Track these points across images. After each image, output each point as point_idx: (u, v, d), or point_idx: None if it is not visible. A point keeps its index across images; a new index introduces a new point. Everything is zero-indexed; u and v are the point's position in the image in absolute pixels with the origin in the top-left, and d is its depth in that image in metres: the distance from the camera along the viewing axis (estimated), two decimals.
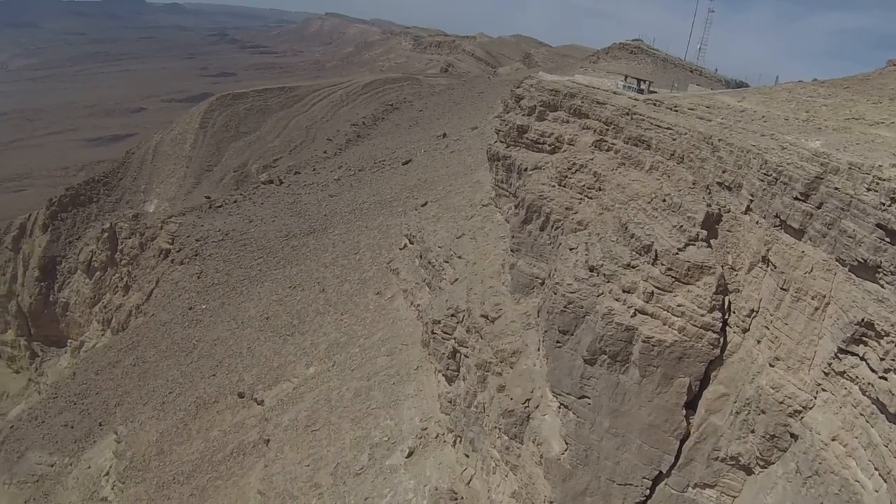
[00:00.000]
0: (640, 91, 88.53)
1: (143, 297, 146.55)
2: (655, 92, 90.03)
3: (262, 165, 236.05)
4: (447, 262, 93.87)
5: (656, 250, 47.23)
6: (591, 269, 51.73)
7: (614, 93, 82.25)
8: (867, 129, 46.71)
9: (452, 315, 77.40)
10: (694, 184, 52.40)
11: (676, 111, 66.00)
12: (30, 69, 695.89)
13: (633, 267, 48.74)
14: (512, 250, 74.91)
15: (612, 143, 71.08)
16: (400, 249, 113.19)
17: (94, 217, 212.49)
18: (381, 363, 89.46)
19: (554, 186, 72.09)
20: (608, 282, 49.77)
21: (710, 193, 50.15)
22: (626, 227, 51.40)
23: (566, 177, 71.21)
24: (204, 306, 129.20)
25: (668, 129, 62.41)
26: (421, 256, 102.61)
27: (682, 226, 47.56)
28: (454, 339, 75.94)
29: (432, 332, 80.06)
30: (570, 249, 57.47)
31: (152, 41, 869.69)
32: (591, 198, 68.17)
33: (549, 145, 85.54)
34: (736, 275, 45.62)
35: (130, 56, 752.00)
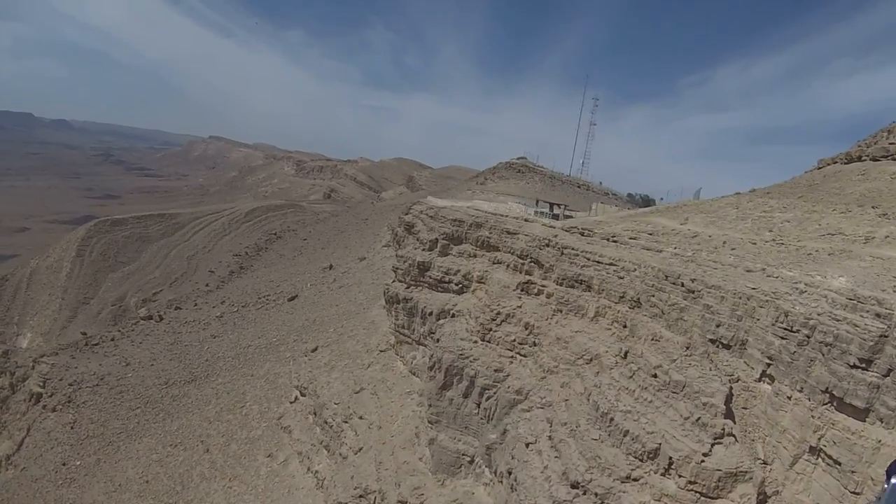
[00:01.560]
0: (556, 216, 80.00)
1: (14, 446, 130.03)
2: (571, 216, 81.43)
3: (142, 299, 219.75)
4: (346, 422, 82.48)
5: (670, 457, 35.06)
6: (575, 486, 38.92)
7: (525, 220, 75.09)
8: (872, 251, 37.48)
9: (361, 497, 65.52)
10: (688, 347, 40.58)
11: (615, 241, 57.04)
12: None
13: (636, 480, 36.52)
14: (430, 422, 63.59)
15: (542, 286, 60.84)
16: (290, 403, 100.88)
17: None
18: None
19: (476, 342, 61.57)
20: (602, 502, 37.33)
21: (710, 360, 38.73)
22: (611, 419, 39.84)
23: (490, 329, 60.59)
24: (78, 462, 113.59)
25: (611, 265, 53.69)
26: (315, 413, 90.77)
27: (698, 417, 35.52)
28: None
29: None
30: (528, 446, 46.13)
31: (39, 158, 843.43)
32: (523, 355, 58.08)
33: (457, 284, 76.81)
34: (770, 470, 33.56)
35: (15, 172, 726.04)
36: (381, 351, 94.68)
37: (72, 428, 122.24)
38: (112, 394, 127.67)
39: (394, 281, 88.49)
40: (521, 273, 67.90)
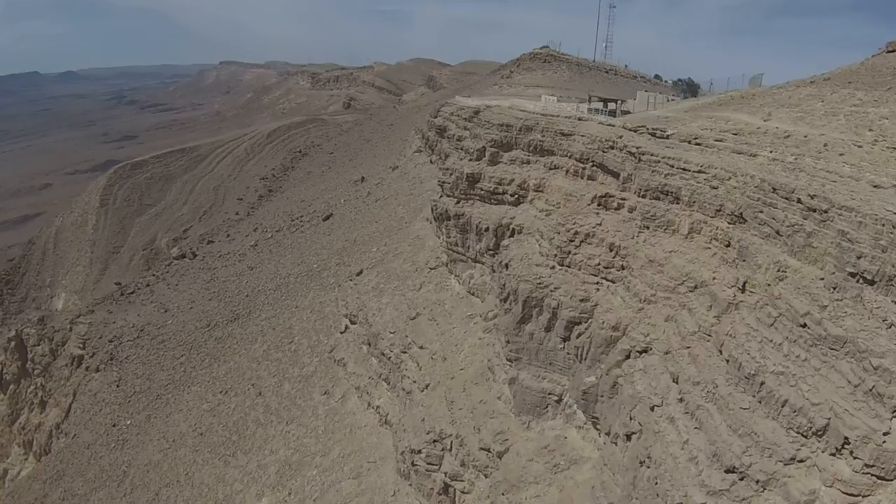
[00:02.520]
0: (612, 113, 71.35)
1: (62, 413, 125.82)
2: (629, 112, 72.78)
3: (172, 238, 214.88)
4: (405, 352, 75.64)
5: (845, 436, 26.78)
6: (731, 471, 30.69)
7: (580, 119, 67.17)
8: None
9: (435, 441, 58.66)
10: (835, 288, 31.71)
11: (698, 144, 48.79)
12: None
13: (801, 462, 28.51)
14: (509, 359, 55.81)
15: (622, 199, 52.46)
16: (341, 333, 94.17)
17: (1, 322, 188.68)
18: (347, 489, 70.31)
19: (553, 267, 53.56)
20: (764, 490, 29.47)
21: (863, 304, 30.25)
22: (761, 383, 31.46)
23: (568, 252, 52.43)
24: (128, 422, 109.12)
25: (700, 172, 45.55)
26: (369, 344, 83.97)
27: (872, 386, 26.76)
28: (444, 473, 57.58)
29: (412, 464, 60.92)
30: (653, 409, 38.32)
31: (50, 113, 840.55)
32: (611, 281, 49.94)
33: (511, 194, 69.28)
34: None
35: (29, 131, 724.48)
36: (430, 269, 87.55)
37: (118, 386, 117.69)
38: (154, 344, 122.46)
39: (441, 196, 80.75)
40: (581, 178, 60.80)
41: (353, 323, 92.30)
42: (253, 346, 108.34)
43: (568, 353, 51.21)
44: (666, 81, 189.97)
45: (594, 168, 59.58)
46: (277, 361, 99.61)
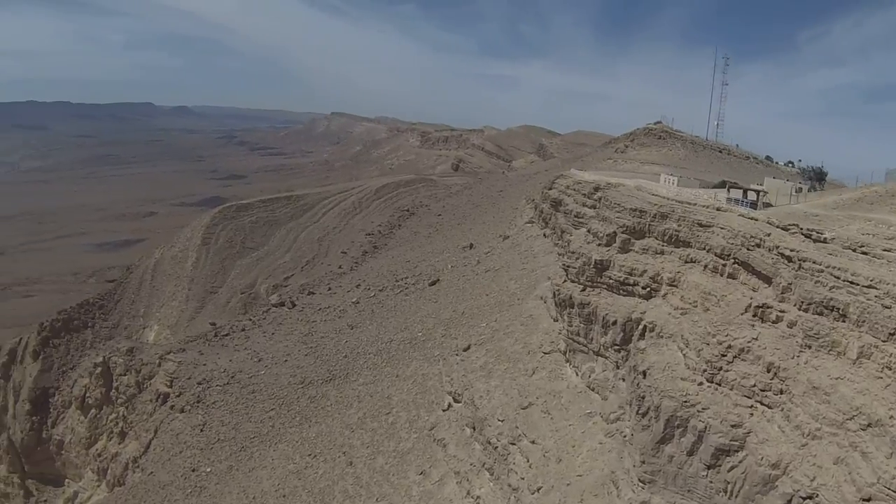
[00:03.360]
0: (753, 205, 66.23)
1: (141, 447, 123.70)
2: (769, 204, 67.62)
3: (272, 285, 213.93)
4: (514, 444, 70.38)
5: None
6: None
7: (718, 209, 63.02)
8: None
9: None
10: None
11: (864, 253, 43.68)
12: (40, 171, 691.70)
13: None
14: (642, 480, 50.23)
15: (781, 311, 47.18)
16: (443, 411, 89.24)
17: (90, 344, 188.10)
18: None
19: (701, 384, 48.34)
20: None
21: None
22: None
23: (720, 368, 47.24)
24: (209, 469, 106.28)
25: (870, 287, 40.60)
26: (474, 428, 78.95)
27: None
28: None
29: None
30: None
31: (161, 144, 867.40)
32: (768, 406, 44.52)
33: (643, 287, 64.82)
34: None
35: (140, 159, 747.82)
36: (544, 353, 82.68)
37: (201, 430, 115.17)
38: (244, 393, 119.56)
39: (565, 280, 76.15)
40: (721, 276, 56.49)
41: (456, 401, 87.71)
42: (348, 411, 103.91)
43: (712, 483, 45.68)
44: (789, 165, 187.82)
45: (736, 266, 55.07)
46: (372, 432, 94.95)
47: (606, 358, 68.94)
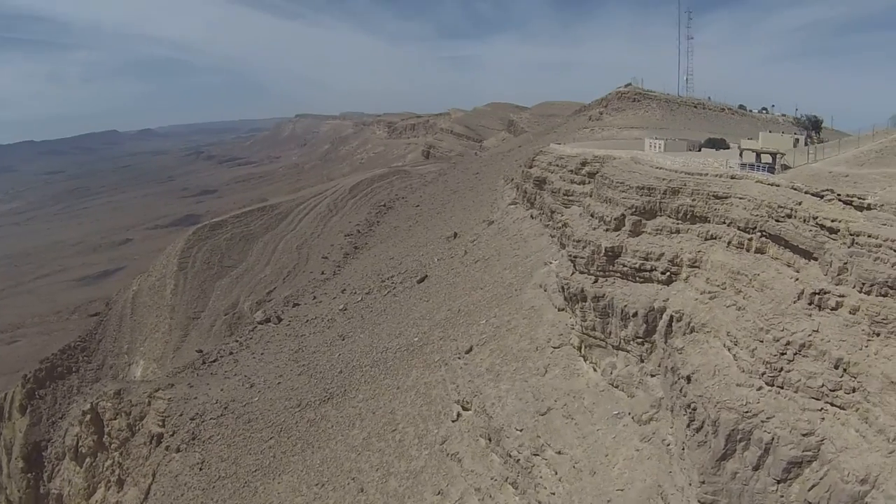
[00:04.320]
0: (772, 169, 59.25)
1: (141, 494, 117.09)
2: (788, 166, 60.68)
3: (256, 301, 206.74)
4: (537, 454, 63.60)
5: None
6: None
7: (732, 177, 57.81)
8: None
9: None
10: None
11: None
12: (11, 213, 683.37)
13: None
14: (702, 501, 43.31)
15: (840, 297, 40.47)
16: (453, 422, 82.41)
17: (76, 390, 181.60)
18: None
19: (760, 388, 41.84)
20: None
21: None
22: None
23: (780, 369, 40.64)
24: None
25: None
26: (490, 439, 72.25)
27: None
28: None
29: None
30: None
31: (129, 170, 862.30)
32: (841, 407, 38.41)
33: (662, 272, 58.47)
34: None
35: (109, 187, 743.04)
36: (554, 348, 76.35)
37: (200, 469, 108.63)
38: (240, 424, 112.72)
39: (573, 273, 69.52)
40: (748, 251, 51.18)
41: (465, 409, 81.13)
42: (351, 431, 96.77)
43: (783, 497, 38.98)
44: (763, 111, 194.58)
45: (764, 240, 48.62)
46: (380, 452, 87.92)
47: (628, 352, 62.69)
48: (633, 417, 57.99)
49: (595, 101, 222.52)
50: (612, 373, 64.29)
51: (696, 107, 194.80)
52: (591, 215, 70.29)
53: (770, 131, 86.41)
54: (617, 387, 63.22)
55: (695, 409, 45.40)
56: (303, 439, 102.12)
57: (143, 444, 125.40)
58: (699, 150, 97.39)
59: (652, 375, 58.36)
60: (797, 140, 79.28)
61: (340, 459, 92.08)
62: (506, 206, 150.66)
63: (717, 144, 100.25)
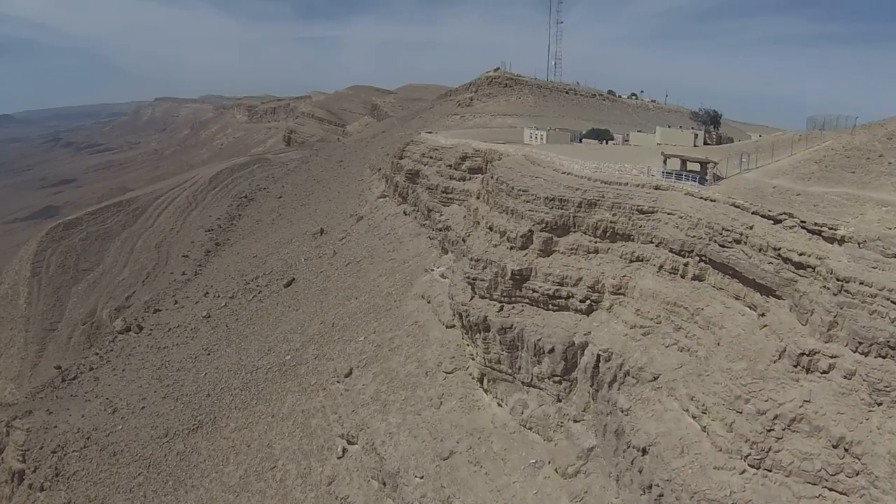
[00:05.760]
0: (702, 179, 50.52)
1: None
2: (721, 177, 52.10)
3: (115, 308, 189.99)
4: None
5: None
6: None
7: (656, 188, 51.21)
8: None
9: None
10: None
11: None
12: None
13: None
14: None
15: (832, 359, 32.68)
16: (338, 458, 72.17)
17: None
18: None
19: (744, 472, 36.45)
20: None
21: None
22: None
23: (768, 449, 32.48)
24: None
25: None
26: (384, 483, 62.43)
27: None
28: None
29: None
30: None
31: None
32: (845, 494, 31.77)
33: (581, 299, 49.08)
34: None
35: None
36: (446, 373, 67.56)
37: None
38: (104, 456, 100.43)
39: (472, 297, 59.52)
40: (683, 278, 44.62)
41: (351, 443, 71.23)
42: (225, 468, 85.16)
43: None
44: (632, 97, 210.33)
45: (703, 265, 40.42)
46: (261, 494, 76.48)
47: (542, 389, 53.81)
48: (555, 469, 49.25)
49: (463, 86, 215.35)
50: (522, 412, 55.39)
51: (567, 92, 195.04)
52: (490, 229, 61.05)
53: (669, 126, 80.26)
54: (531, 429, 54.56)
55: (661, 496, 36.48)
56: (174, 476, 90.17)
57: (4, 483, 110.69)
58: (580, 142, 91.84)
59: (575, 421, 49.54)
60: (696, 135, 72.09)
61: (217, 502, 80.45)
62: (375, 200, 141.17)
63: (602, 136, 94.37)
